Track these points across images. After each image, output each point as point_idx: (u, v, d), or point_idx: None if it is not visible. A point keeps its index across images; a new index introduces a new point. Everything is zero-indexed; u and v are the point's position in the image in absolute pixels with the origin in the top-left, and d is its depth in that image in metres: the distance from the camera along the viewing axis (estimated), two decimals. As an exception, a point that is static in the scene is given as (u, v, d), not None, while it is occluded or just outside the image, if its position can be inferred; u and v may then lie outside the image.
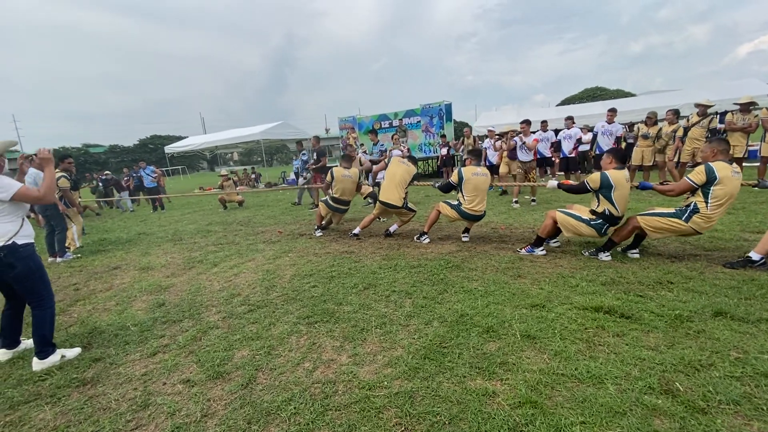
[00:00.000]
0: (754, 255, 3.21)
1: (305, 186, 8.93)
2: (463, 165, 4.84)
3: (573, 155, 7.95)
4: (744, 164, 6.77)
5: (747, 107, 6.58)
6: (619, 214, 3.66)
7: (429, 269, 3.79)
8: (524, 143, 7.19)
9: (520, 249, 4.17)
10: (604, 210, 3.67)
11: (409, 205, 5.23)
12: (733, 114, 6.72)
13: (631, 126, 8.90)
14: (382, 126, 15.20)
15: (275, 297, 3.40)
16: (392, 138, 10.91)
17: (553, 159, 7.55)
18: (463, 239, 4.81)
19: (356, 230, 5.42)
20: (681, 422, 1.61)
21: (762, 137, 6.54)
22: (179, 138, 43.39)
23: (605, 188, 3.62)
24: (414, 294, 3.21)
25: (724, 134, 7.65)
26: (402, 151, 9.15)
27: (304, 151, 9.40)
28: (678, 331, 2.31)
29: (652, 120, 7.34)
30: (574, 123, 8.34)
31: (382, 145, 8.73)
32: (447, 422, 1.72)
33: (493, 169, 9.55)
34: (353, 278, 3.70)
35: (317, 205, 8.50)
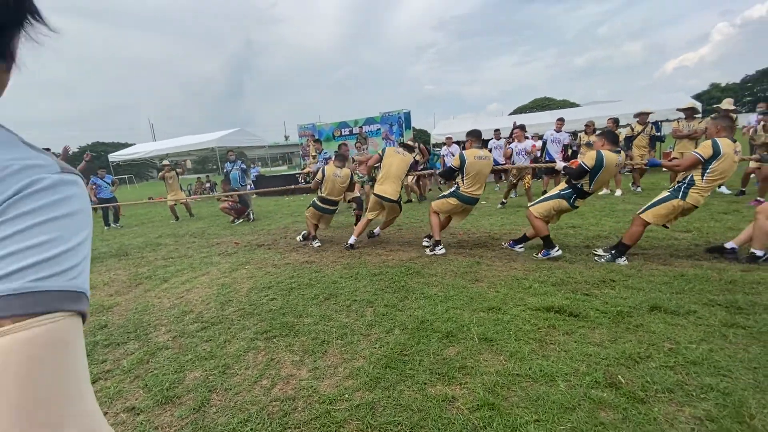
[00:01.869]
0: (757, 251, 3.37)
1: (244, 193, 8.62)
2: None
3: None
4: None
5: (691, 114, 7.03)
6: (589, 190, 3.82)
7: (390, 276, 3.80)
8: (529, 153, 7.50)
9: (537, 254, 4.06)
10: (579, 184, 3.81)
11: (401, 202, 5.05)
12: (678, 122, 7.20)
13: (575, 134, 9.51)
14: (342, 133, 15.19)
15: (231, 312, 3.26)
16: (355, 145, 10.93)
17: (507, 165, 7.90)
18: (423, 243, 4.85)
19: (351, 240, 5.04)
20: (624, 413, 1.72)
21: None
22: (126, 145, 40.81)
23: (597, 168, 3.67)
24: (375, 302, 3.21)
25: (663, 140, 8.30)
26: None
27: (239, 162, 9.00)
28: (620, 326, 2.48)
29: (590, 128, 7.89)
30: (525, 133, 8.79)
31: (326, 153, 8.60)
32: (408, 431, 1.73)
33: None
34: (314, 289, 3.64)
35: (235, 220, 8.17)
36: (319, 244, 5.40)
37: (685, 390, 1.85)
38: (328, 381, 2.17)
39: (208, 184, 17.98)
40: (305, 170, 11.13)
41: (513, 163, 7.77)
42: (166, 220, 9.73)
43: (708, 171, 3.41)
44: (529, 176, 7.61)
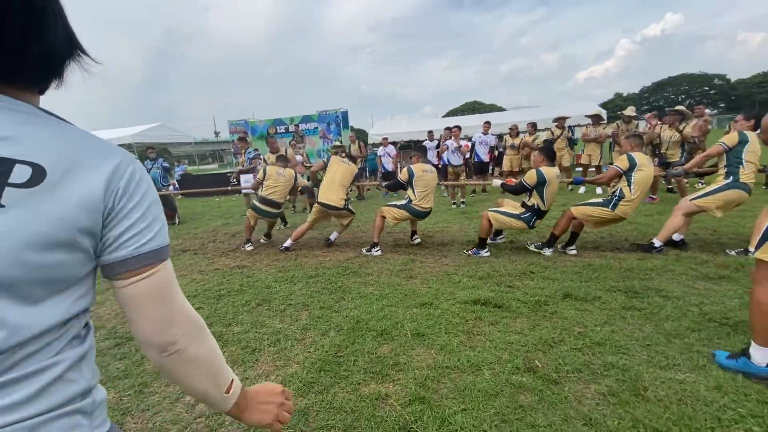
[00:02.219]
0: (656, 242, 3.83)
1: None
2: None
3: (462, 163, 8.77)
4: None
5: (597, 120, 7.98)
6: (545, 208, 4.02)
7: (327, 278, 3.76)
8: (459, 146, 7.77)
9: (467, 251, 4.31)
10: (534, 204, 4.00)
11: (350, 206, 4.96)
12: (587, 127, 8.08)
13: (500, 137, 10.19)
14: (278, 131, 14.67)
15: (150, 325, 2.98)
16: (290, 143, 10.60)
17: (438, 166, 8.22)
18: (415, 242, 4.85)
19: (287, 243, 4.89)
20: (540, 394, 1.88)
21: (610, 148, 8.00)
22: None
23: (540, 184, 3.92)
24: (311, 305, 3.14)
25: (576, 143, 9.20)
26: (302, 156, 8.95)
27: (160, 160, 8.31)
28: (538, 314, 2.71)
29: (514, 131, 8.53)
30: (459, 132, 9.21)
31: (250, 152, 8.19)
32: (341, 433, 1.72)
33: (389, 175, 9.99)
34: (245, 295, 3.47)
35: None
36: (251, 247, 5.15)
37: (591, 369, 2.07)
38: (258, 390, 2.08)
39: (125, 184, 16.30)
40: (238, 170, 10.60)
41: (447, 161, 8.11)
42: (73, 225, 8.64)
43: (632, 182, 3.78)
44: (464, 175, 8.03)
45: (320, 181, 5.47)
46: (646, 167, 3.80)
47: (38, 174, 0.50)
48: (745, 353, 1.98)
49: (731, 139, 3.66)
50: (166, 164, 8.34)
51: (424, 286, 3.38)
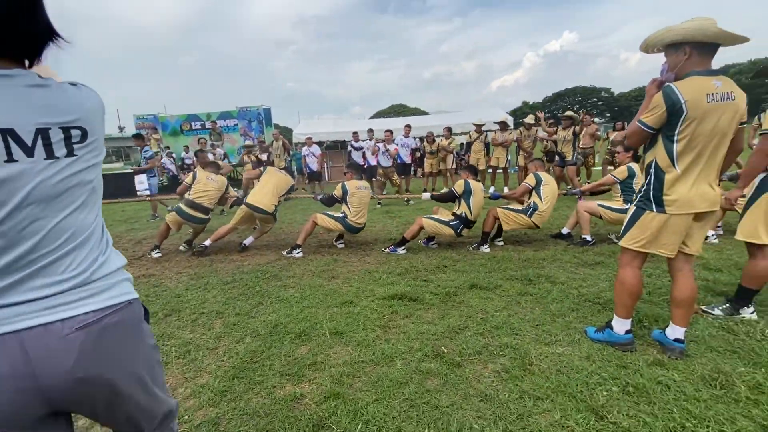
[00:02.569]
0: (587, 237, 4.35)
1: None
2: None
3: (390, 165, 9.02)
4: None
5: (504, 126, 8.79)
6: (473, 218, 4.36)
7: (244, 283, 3.63)
8: (387, 150, 7.93)
9: (385, 249, 4.51)
10: (462, 213, 4.34)
11: (276, 214, 4.82)
12: (495, 132, 8.83)
13: (422, 139, 10.67)
14: (192, 127, 13.64)
15: (31, 347, 2.61)
16: (198, 141, 9.93)
17: (365, 167, 8.38)
18: (339, 246, 4.81)
19: (206, 242, 4.67)
20: (445, 378, 2.05)
21: (516, 151, 8.90)
22: None
23: (466, 193, 4.32)
24: (226, 312, 3.02)
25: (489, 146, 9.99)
26: (214, 155, 8.42)
27: None
28: (447, 304, 2.93)
29: (430, 138, 9.05)
30: (390, 135, 9.45)
31: (147, 150, 7.57)
32: (254, 438, 1.70)
33: (314, 175, 9.90)
34: (152, 306, 3.20)
35: None
36: (159, 254, 4.75)
37: (489, 350, 2.31)
38: (164, 406, 1.96)
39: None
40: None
41: (378, 162, 8.35)
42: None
43: (542, 195, 4.31)
44: (395, 175, 8.32)
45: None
46: (550, 182, 4.45)
47: (84, 133, 0.83)
48: (608, 325, 2.37)
49: (621, 173, 4.33)
50: None
51: (346, 285, 3.45)
